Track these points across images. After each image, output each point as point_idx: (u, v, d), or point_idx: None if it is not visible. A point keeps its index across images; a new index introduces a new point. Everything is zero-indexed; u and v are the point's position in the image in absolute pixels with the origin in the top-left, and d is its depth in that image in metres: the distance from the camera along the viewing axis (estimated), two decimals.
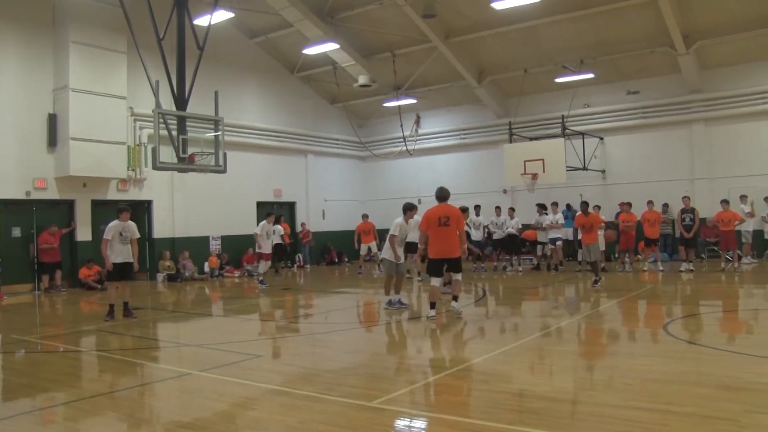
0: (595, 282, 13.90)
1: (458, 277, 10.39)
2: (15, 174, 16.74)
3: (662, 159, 20.58)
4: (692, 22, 18.13)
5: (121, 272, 11.25)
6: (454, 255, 10.17)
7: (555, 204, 18.83)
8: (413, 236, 12.76)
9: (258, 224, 17.40)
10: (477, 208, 19.14)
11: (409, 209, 11.35)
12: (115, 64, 17.93)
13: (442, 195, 10.43)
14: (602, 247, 17.56)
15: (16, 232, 17.04)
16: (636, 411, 5.03)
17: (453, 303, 10.34)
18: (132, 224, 11.33)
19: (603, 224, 15.03)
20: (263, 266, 16.87)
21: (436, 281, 10.25)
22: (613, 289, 14.04)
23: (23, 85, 16.98)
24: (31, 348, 9.22)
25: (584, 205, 14.71)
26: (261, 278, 16.73)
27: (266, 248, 16.64)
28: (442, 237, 10.12)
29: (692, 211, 16.86)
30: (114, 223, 11.13)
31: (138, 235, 11.53)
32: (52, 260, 16.93)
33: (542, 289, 14.42)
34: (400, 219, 11.30)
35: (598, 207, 18.03)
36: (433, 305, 10.12)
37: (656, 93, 20.63)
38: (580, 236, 15.00)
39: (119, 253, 11.11)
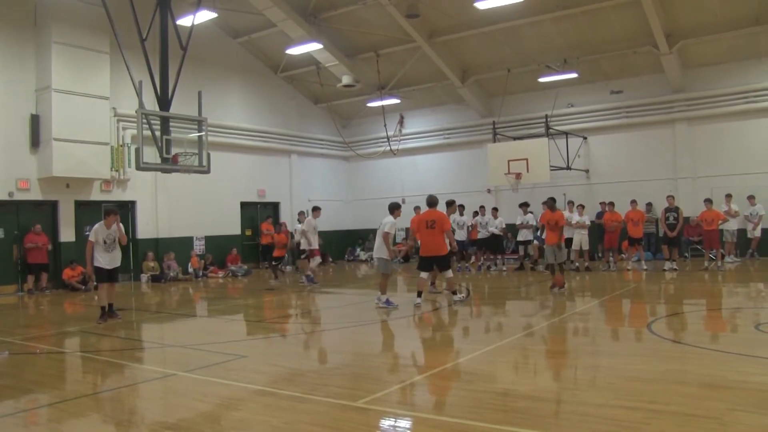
0: (553, 286, 12.95)
1: (448, 274, 11.56)
2: None
3: (645, 158, 20.73)
4: (675, 21, 18.29)
5: (109, 275, 11.10)
6: (439, 253, 11.37)
7: (545, 203, 18.86)
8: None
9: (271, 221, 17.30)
10: (461, 207, 19.18)
11: (396, 208, 11.98)
12: (98, 64, 17.81)
13: (431, 201, 11.68)
14: (586, 246, 17.70)
15: (0, 233, 16.93)
16: (619, 410, 5.07)
17: (453, 296, 11.61)
18: (120, 228, 11.06)
19: (567, 224, 13.71)
20: (315, 262, 16.43)
21: (424, 275, 11.72)
22: (596, 288, 14.14)
23: (5, 86, 16.83)
24: (15, 349, 9.14)
25: (551, 201, 13.77)
26: (311, 275, 16.26)
27: (315, 244, 16.21)
28: (428, 238, 11.39)
29: (676, 210, 17.00)
30: (97, 227, 10.98)
31: (124, 236, 11.24)
32: (39, 261, 16.83)
33: (526, 289, 14.47)
34: (390, 218, 11.80)
35: (582, 206, 18.11)
36: (419, 294, 11.51)
37: (639, 92, 20.78)
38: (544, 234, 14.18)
39: (103, 257, 10.95)
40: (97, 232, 10.91)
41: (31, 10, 17.31)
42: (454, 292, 11.68)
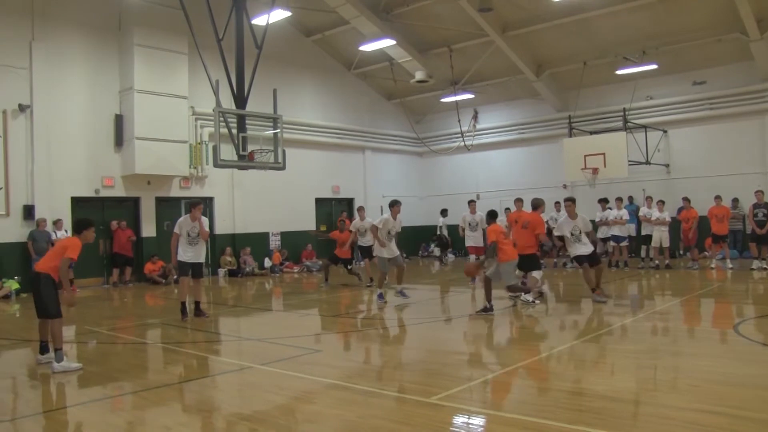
0: (532, 302, 11.05)
1: (535, 274, 11.61)
2: (85, 173, 17.39)
3: (731, 152, 19.76)
4: (766, 4, 17.31)
5: (191, 270, 10.95)
6: (525, 252, 11.32)
7: (619, 199, 18.35)
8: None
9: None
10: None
11: (393, 205, 12.34)
12: (177, 65, 18.39)
13: (535, 204, 11.95)
14: (666, 243, 17.08)
15: None
16: (702, 414, 4.86)
17: (524, 295, 11.16)
18: (201, 222, 10.86)
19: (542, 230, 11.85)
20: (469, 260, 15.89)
21: (519, 273, 11.75)
22: (677, 287, 13.65)
23: (92, 88, 17.60)
24: (102, 339, 9.56)
25: (519, 201, 13.31)
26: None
27: (469, 240, 15.65)
28: (519, 237, 11.65)
29: (766, 206, 16.17)
30: (182, 220, 10.88)
31: (207, 230, 11.09)
32: (125, 254, 17.58)
33: (604, 287, 14.10)
34: (386, 214, 12.20)
35: (662, 202, 17.52)
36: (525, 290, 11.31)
37: (724, 82, 19.84)
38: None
39: (187, 251, 10.79)
40: (182, 224, 10.79)
41: (115, 16, 18.02)
42: (528, 291, 11.25)
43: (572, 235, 11.50)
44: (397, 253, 12.48)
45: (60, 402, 6.28)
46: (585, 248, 11.43)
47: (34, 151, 16.34)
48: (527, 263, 11.54)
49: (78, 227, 7.79)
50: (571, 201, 11.93)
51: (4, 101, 15.97)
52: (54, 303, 7.23)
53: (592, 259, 11.44)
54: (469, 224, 15.84)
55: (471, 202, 16.03)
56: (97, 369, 7.36)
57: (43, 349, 7.51)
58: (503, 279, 10.50)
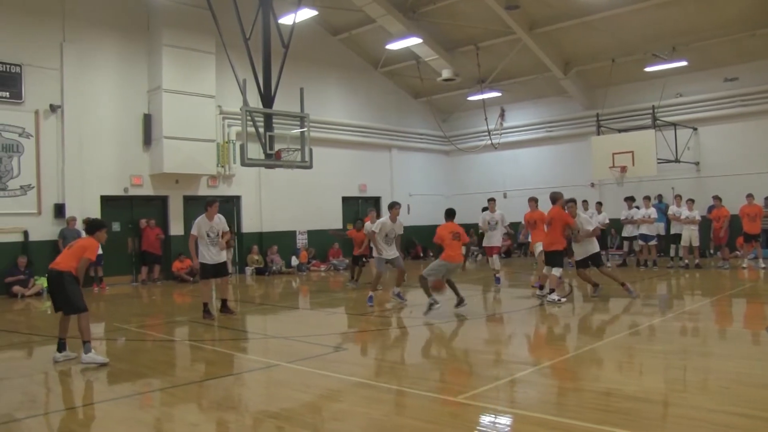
0: (558, 300, 11.13)
1: (553, 271, 11.33)
2: (114, 172, 17.62)
3: (764, 149, 19.32)
4: None
5: (214, 271, 10.79)
6: (551, 249, 11.45)
7: (647, 198, 18.13)
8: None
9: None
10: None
11: (391, 207, 12.15)
12: (204, 64, 18.53)
13: (553, 198, 11.68)
14: (696, 242, 16.81)
15: (116, 226, 17.81)
16: (733, 416, 4.78)
17: (549, 294, 11.21)
18: (219, 220, 10.72)
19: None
20: (493, 261, 14.82)
21: (547, 270, 11.66)
22: (707, 287, 13.45)
23: (121, 88, 17.83)
24: (131, 336, 9.68)
25: (533, 201, 13.65)
26: (496, 275, 14.85)
27: (492, 240, 14.62)
28: (544, 236, 11.78)
29: None
30: (199, 220, 10.60)
31: (227, 229, 11.00)
32: (154, 252, 17.80)
33: (631, 286, 13.94)
34: (384, 217, 12.12)
35: (692, 201, 17.26)
36: (550, 291, 11.37)
37: (757, 78, 19.41)
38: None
39: (208, 254, 10.58)
40: (200, 225, 10.51)
41: (144, 17, 18.23)
42: (541, 287, 11.64)
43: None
44: (398, 254, 12.22)
45: (89, 398, 6.38)
46: (584, 249, 11.76)
47: (65, 150, 16.61)
48: (552, 260, 11.51)
49: (91, 228, 7.94)
50: (573, 202, 12.01)
51: (35, 102, 16.26)
52: (80, 298, 7.46)
53: (593, 261, 11.84)
54: (489, 223, 15.40)
55: (490, 200, 15.64)
56: (126, 366, 7.46)
57: (61, 347, 7.65)
58: (426, 270, 10.74)
